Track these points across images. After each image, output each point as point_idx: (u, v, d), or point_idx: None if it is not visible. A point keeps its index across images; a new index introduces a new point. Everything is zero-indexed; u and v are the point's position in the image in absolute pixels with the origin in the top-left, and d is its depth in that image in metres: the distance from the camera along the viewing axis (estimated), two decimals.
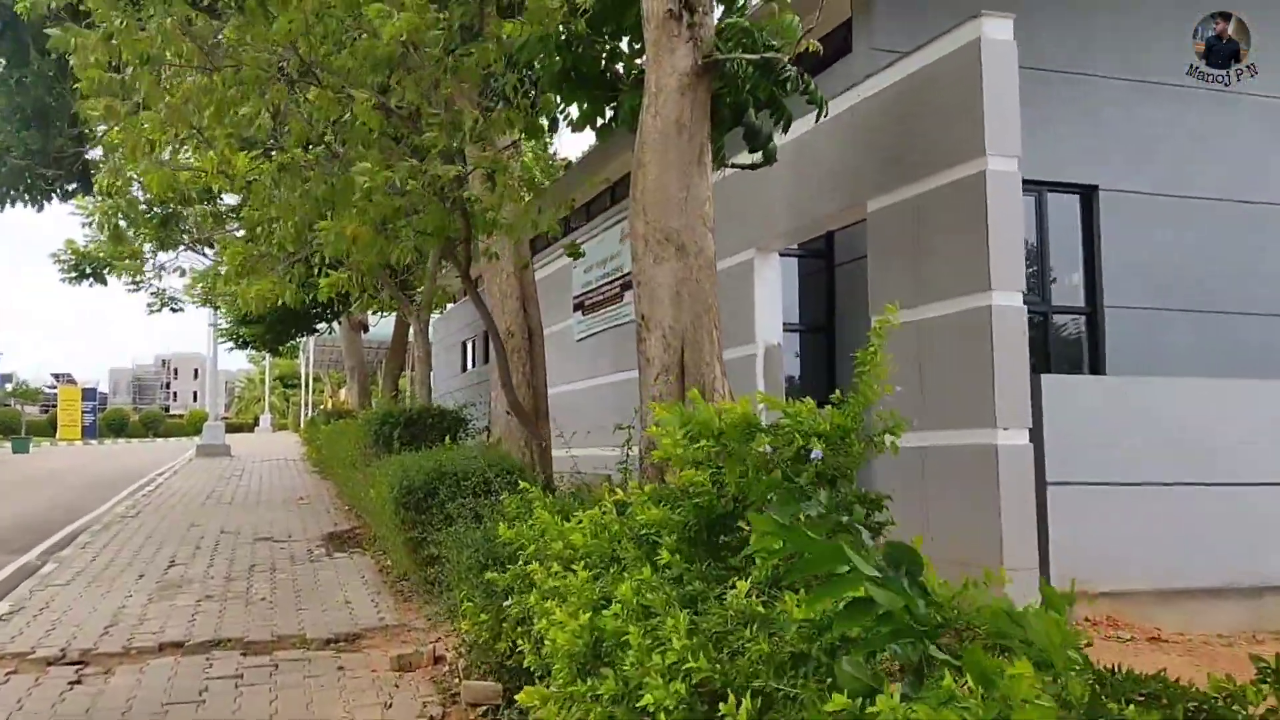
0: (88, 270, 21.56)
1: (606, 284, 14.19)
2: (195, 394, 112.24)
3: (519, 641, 4.12)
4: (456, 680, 5.21)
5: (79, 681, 5.53)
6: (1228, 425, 7.80)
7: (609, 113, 7.70)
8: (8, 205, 13.25)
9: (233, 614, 7.17)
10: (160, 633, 6.59)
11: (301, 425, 47.33)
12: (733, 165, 7.85)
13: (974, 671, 1.86)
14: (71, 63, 6.12)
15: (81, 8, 6.40)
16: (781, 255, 10.54)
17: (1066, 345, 10.30)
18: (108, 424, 70.07)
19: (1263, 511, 7.69)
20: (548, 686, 3.42)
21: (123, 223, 16.87)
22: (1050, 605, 2.00)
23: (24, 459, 32.52)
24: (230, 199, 16.23)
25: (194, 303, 24.71)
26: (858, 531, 2.45)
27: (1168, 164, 10.30)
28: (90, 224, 18.65)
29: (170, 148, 6.99)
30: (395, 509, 7.65)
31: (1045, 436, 7.24)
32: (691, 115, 5.96)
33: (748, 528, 3.57)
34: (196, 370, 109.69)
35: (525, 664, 3.90)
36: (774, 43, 6.48)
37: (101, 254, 20.77)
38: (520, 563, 4.16)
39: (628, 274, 13.04)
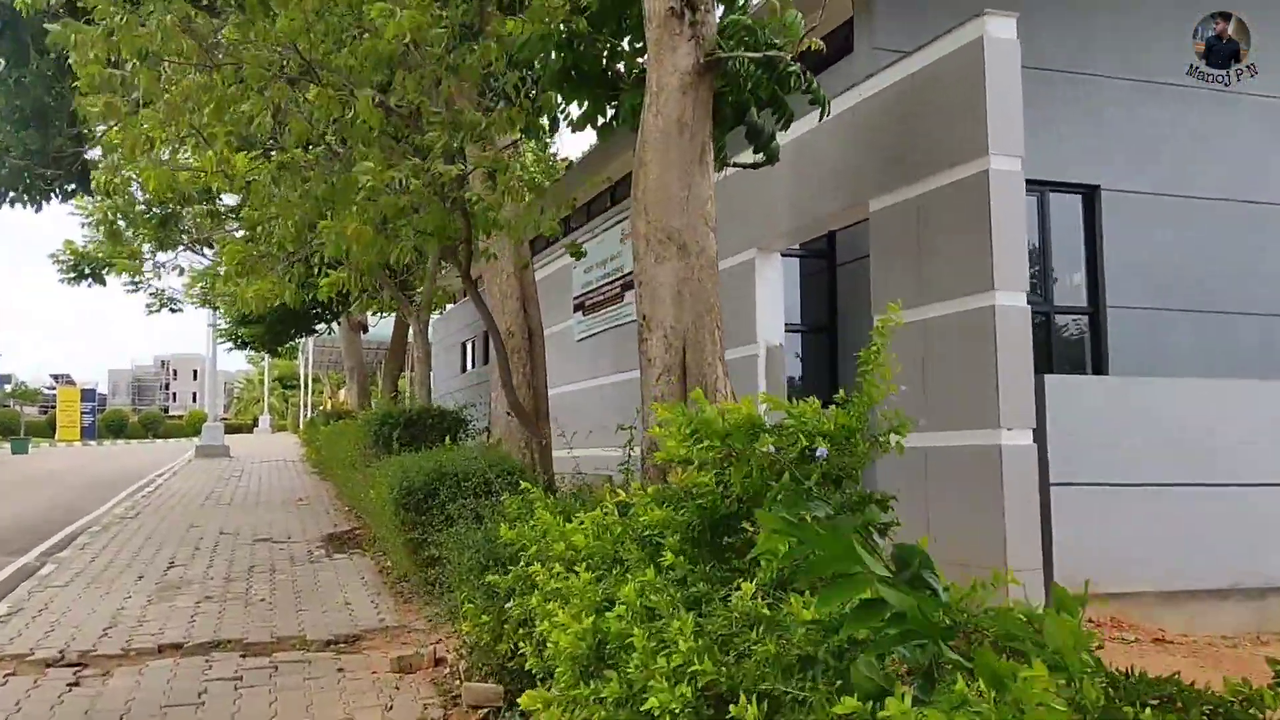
0: (87, 271, 21.52)
1: (607, 284, 14.16)
2: (194, 395, 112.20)
3: (520, 643, 4.09)
4: (457, 682, 5.17)
5: (77, 683, 5.49)
6: (1231, 426, 7.77)
7: (610, 112, 7.67)
8: (7, 206, 13.23)
9: (232, 615, 7.14)
10: (159, 634, 6.56)
11: (300, 426, 47.28)
12: (735, 164, 7.82)
13: (986, 674, 1.83)
14: (71, 59, 6.09)
15: (80, 4, 6.38)
16: (783, 255, 10.51)
17: (1068, 346, 10.27)
18: (107, 425, 70.08)
19: (1266, 512, 7.66)
20: (549, 689, 3.39)
21: (122, 223, 16.86)
22: (1062, 607, 1.97)
23: (23, 459, 32.48)
24: (230, 199, 16.21)
25: (193, 303, 24.70)
26: (868, 532, 2.41)
27: (1169, 164, 10.28)
28: (89, 224, 18.63)
29: (170, 146, 6.95)
30: (395, 510, 7.62)
31: (1048, 437, 7.21)
32: (693, 114, 5.93)
33: (752, 529, 3.55)
34: (196, 371, 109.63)
35: (527, 666, 3.87)
36: (776, 41, 6.45)
37: (100, 254, 20.74)
38: (522, 564, 4.12)
39: (628, 274, 13.01)
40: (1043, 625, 1.94)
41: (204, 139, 6.95)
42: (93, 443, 53.18)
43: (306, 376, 59.11)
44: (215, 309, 26.49)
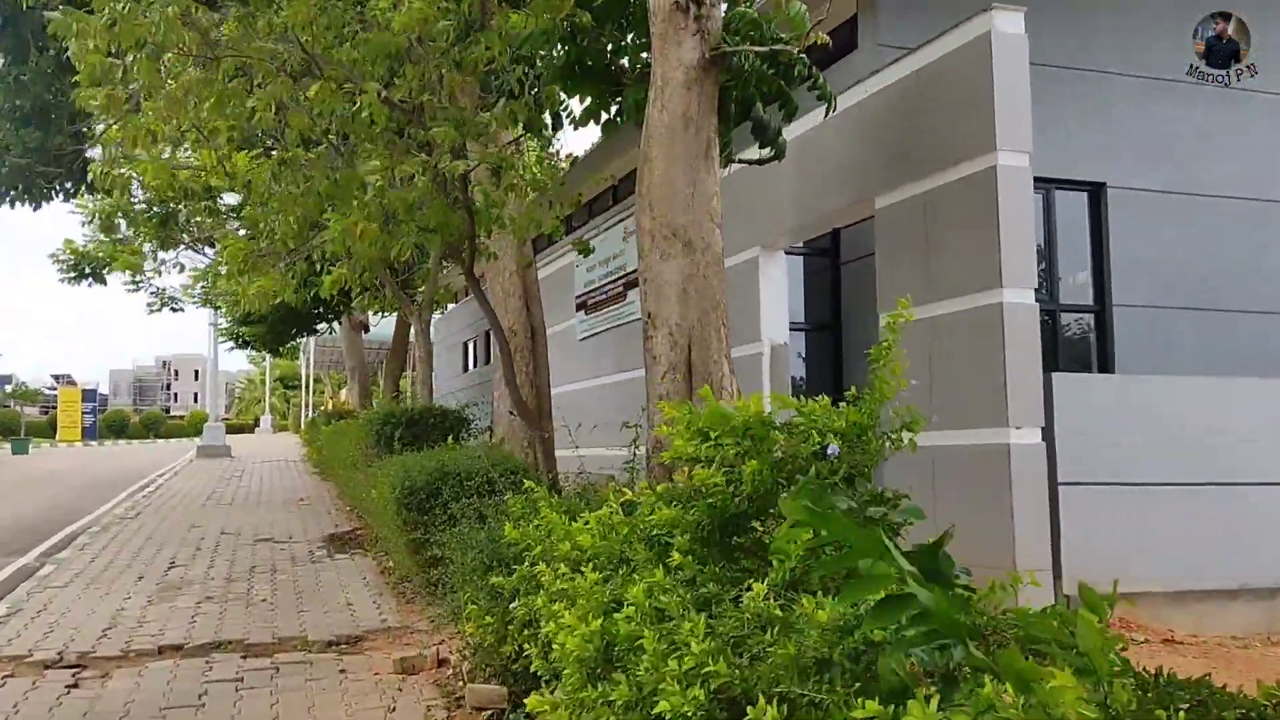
0: (87, 270, 21.46)
1: (609, 283, 14.10)
2: (196, 395, 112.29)
3: (525, 645, 4.03)
4: (461, 683, 5.11)
5: (76, 685, 5.43)
6: (1240, 424, 7.70)
7: (613, 107, 7.60)
8: (7, 206, 13.16)
9: (233, 616, 7.08)
10: (159, 635, 6.50)
11: (302, 426, 47.25)
12: (740, 160, 7.76)
13: (1012, 676, 1.76)
14: (70, 52, 6.02)
15: None
16: (787, 253, 10.44)
17: (1074, 344, 10.21)
18: (108, 425, 70.04)
19: (1276, 512, 7.59)
20: (553, 691, 3.32)
21: (122, 223, 16.80)
22: (1089, 607, 1.90)
23: (23, 460, 32.45)
24: (231, 199, 16.16)
25: (194, 303, 24.65)
26: (890, 530, 2.35)
27: (1177, 161, 10.21)
28: (89, 223, 18.56)
29: (171, 141, 6.88)
30: (397, 510, 7.56)
31: (1056, 436, 7.14)
32: (698, 109, 5.87)
33: (762, 528, 3.49)
34: (197, 371, 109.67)
35: (532, 668, 3.81)
36: (782, 35, 6.38)
37: (101, 254, 20.68)
38: (526, 564, 4.06)
39: (631, 273, 12.95)
40: (1073, 626, 1.87)
41: (204, 135, 6.89)
42: (94, 443, 53.15)
43: (308, 376, 59.07)
44: (217, 308, 26.44)
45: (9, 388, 67.91)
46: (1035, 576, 2.86)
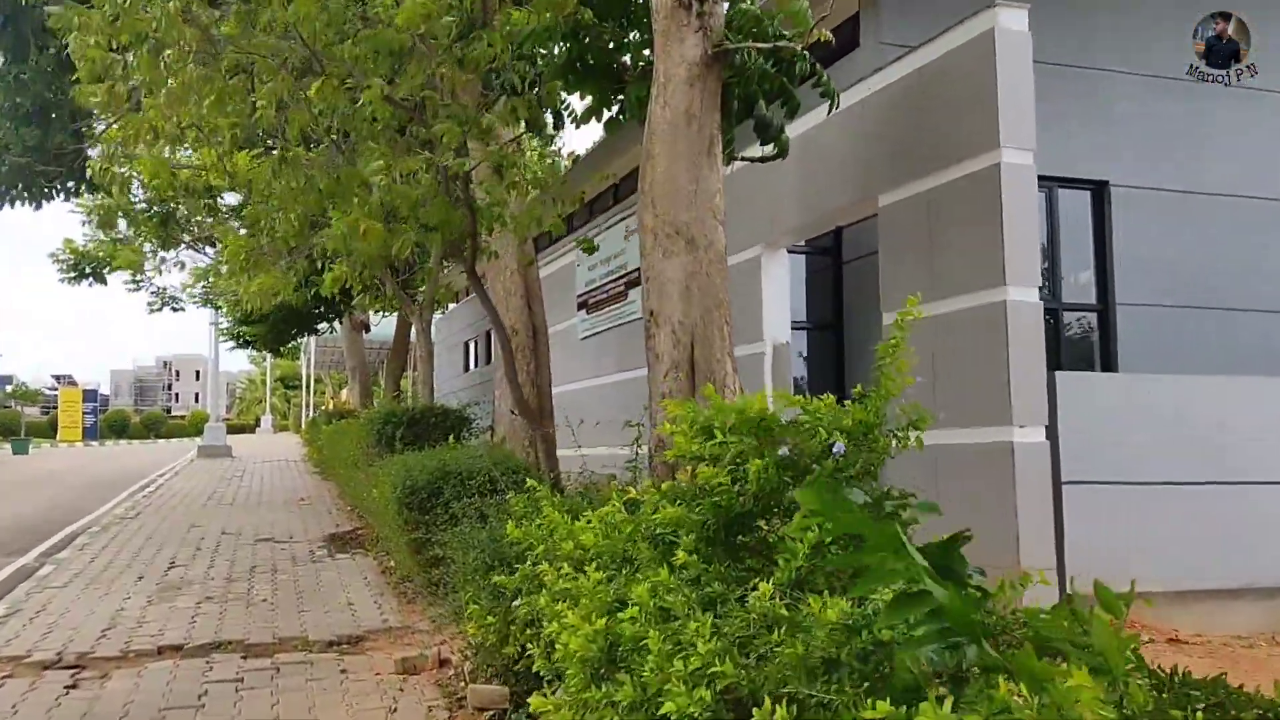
0: (87, 270, 21.43)
1: (610, 282, 14.07)
2: (197, 395, 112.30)
3: (528, 644, 4.00)
4: (462, 684, 5.08)
5: (75, 686, 5.39)
6: (1244, 423, 7.66)
7: (615, 105, 7.57)
8: (8, 205, 13.11)
9: (233, 616, 7.04)
10: (159, 635, 6.46)
11: (303, 426, 47.23)
12: (743, 158, 7.73)
13: (1026, 677, 1.73)
14: (70, 49, 5.99)
15: None
16: (789, 252, 10.41)
17: (1077, 343, 10.17)
18: (109, 425, 70.04)
19: (1278, 511, 7.55)
20: (554, 691, 3.29)
21: (122, 222, 16.75)
22: (1105, 606, 1.87)
23: (23, 460, 32.45)
24: (231, 198, 16.13)
25: (194, 302, 24.63)
26: (902, 526, 2.31)
27: (1180, 159, 10.17)
28: (89, 222, 18.53)
29: (172, 138, 6.84)
30: (398, 509, 7.53)
31: (1060, 435, 7.11)
32: (701, 106, 5.84)
33: (767, 527, 3.45)
34: (198, 372, 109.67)
35: (534, 668, 3.78)
36: (785, 32, 6.35)
37: (101, 253, 20.65)
38: (529, 563, 4.03)
39: (632, 272, 12.92)
40: (1085, 625, 1.84)
41: (205, 133, 6.86)
42: (94, 443, 53.13)
43: (309, 377, 59.06)
44: (217, 308, 26.44)
45: (9, 388, 67.91)
46: (1033, 577, 2.82)
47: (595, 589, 3.16)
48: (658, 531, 3.40)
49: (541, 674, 3.67)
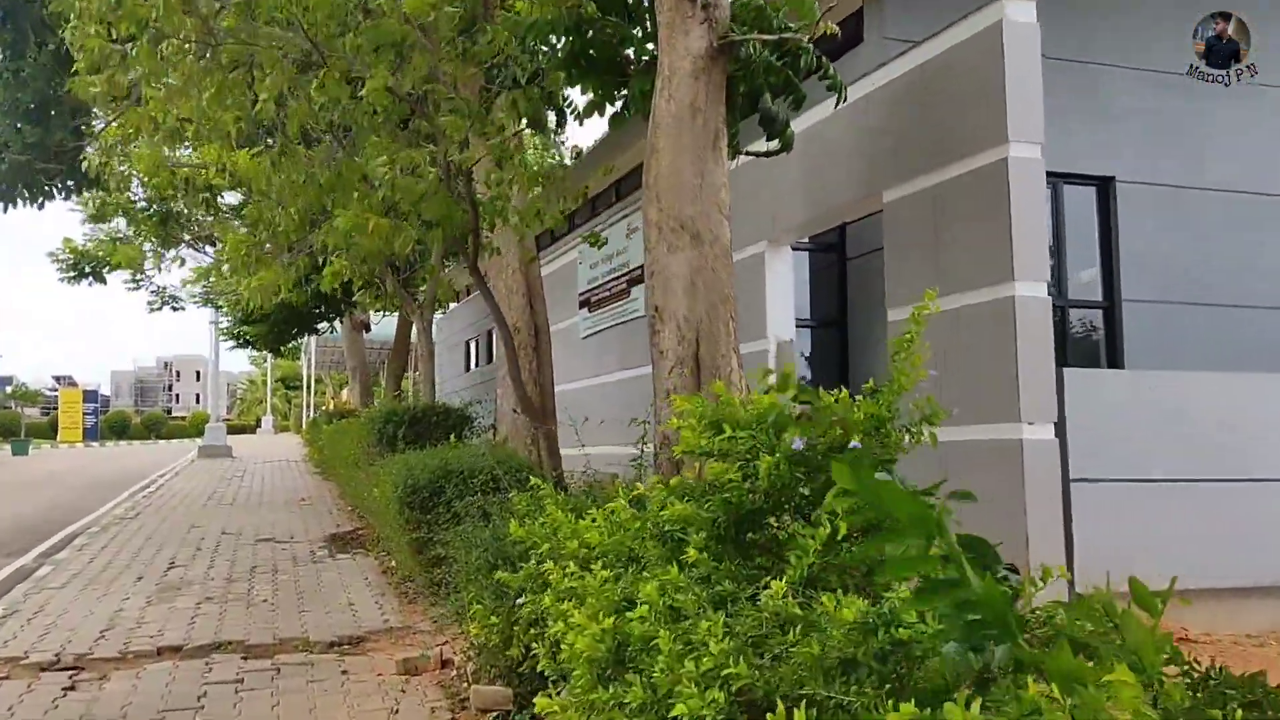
0: (86, 269, 21.35)
1: (612, 280, 14.00)
2: (197, 396, 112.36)
3: (532, 645, 3.92)
4: (465, 685, 5.01)
5: (73, 687, 5.32)
6: (1253, 420, 7.59)
7: (619, 100, 7.50)
8: (10, 206, 13.02)
9: (233, 616, 6.97)
10: (158, 636, 6.39)
11: (303, 427, 47.18)
12: (748, 153, 7.66)
13: (1059, 676, 1.65)
14: (67, 39, 5.92)
15: None
16: (793, 249, 10.33)
17: (1082, 340, 10.09)
18: (109, 426, 70.00)
19: None
20: (559, 692, 3.22)
21: (121, 221, 16.69)
22: (1140, 603, 1.79)
23: (23, 461, 32.41)
24: (231, 198, 16.08)
25: (194, 301, 24.57)
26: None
27: (1185, 155, 10.09)
28: (88, 221, 18.46)
29: (172, 131, 6.76)
30: (400, 508, 7.46)
31: (1068, 432, 7.03)
32: (706, 99, 5.76)
33: (777, 524, 3.38)
34: (199, 372, 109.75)
35: (539, 668, 3.70)
36: (790, 24, 6.28)
37: (100, 252, 20.58)
38: (533, 562, 3.95)
39: (634, 270, 12.85)
40: (1115, 620, 1.76)
41: (206, 129, 6.78)
42: (95, 444, 53.08)
43: (309, 377, 58.99)
44: (218, 307, 26.38)
45: (9, 389, 67.88)
46: (1053, 572, 2.75)
47: (602, 588, 3.09)
48: (666, 529, 3.32)
49: (546, 674, 3.59)
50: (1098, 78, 9.88)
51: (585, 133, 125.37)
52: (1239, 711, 1.68)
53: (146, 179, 7.95)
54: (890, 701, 1.89)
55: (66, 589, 8.01)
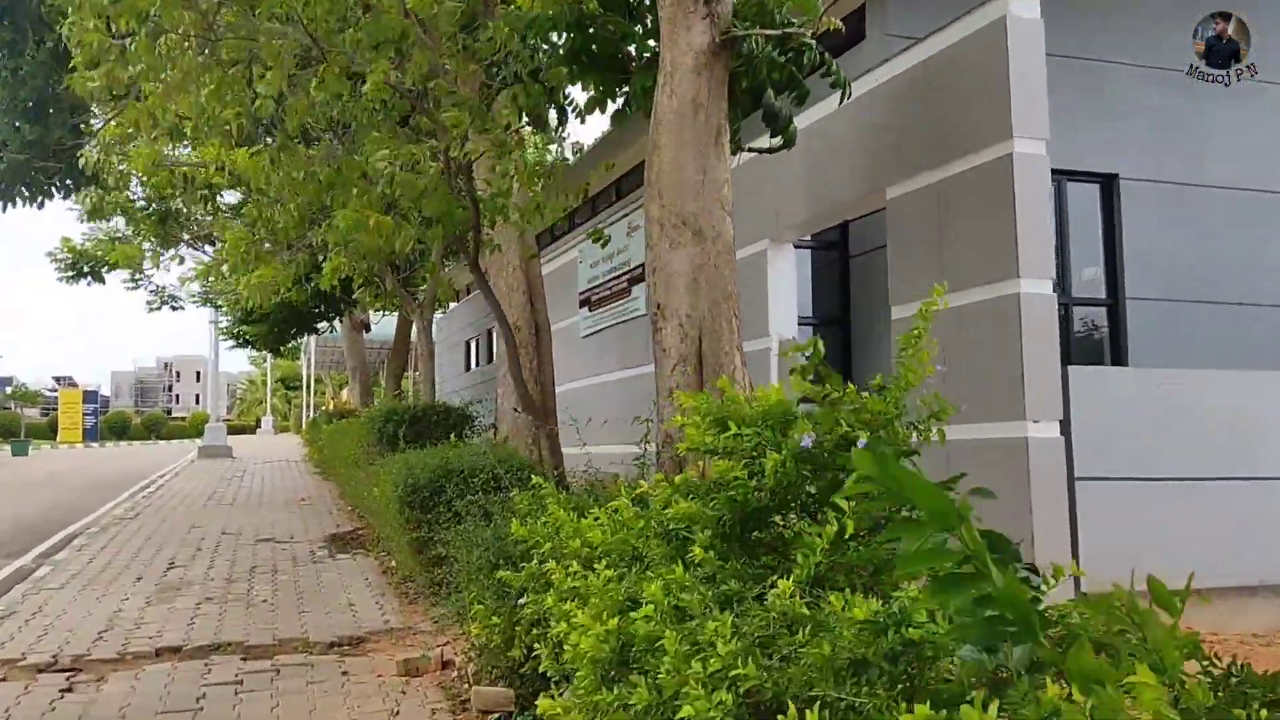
0: (85, 269, 21.30)
1: (613, 278, 13.95)
2: (197, 397, 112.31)
3: (534, 645, 3.88)
4: (466, 686, 4.96)
5: (70, 689, 5.27)
6: (1259, 418, 7.54)
7: (620, 96, 7.45)
8: (10, 206, 12.97)
9: (233, 617, 6.93)
10: (157, 637, 6.35)
11: (303, 427, 47.14)
12: (750, 149, 7.61)
13: (1079, 676, 1.61)
14: (65, 34, 5.87)
15: None
16: (795, 247, 10.28)
17: (1086, 338, 10.04)
18: (109, 426, 69.99)
19: None
20: (562, 694, 3.17)
21: (120, 220, 16.62)
22: (1159, 602, 1.75)
23: (23, 461, 32.37)
24: (231, 197, 16.02)
25: (194, 300, 24.52)
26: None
27: (1189, 153, 10.04)
28: (85, 217, 18.38)
29: (171, 128, 6.71)
30: (400, 508, 7.41)
31: (1073, 430, 6.98)
32: (708, 95, 5.72)
33: (783, 523, 3.33)
34: (198, 373, 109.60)
35: (541, 669, 3.66)
36: (793, 19, 6.23)
37: (99, 252, 20.52)
38: (535, 561, 3.90)
39: (635, 268, 12.80)
40: (1135, 617, 1.72)
41: (205, 126, 6.74)
42: (95, 444, 53.04)
43: (309, 377, 58.95)
44: (217, 307, 26.33)
45: (9, 389, 67.83)
46: (1065, 570, 2.71)
47: (605, 587, 3.04)
48: (670, 528, 3.27)
49: (549, 676, 3.55)
50: (1102, 75, 9.83)
51: (587, 130, 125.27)
52: (1263, 711, 1.64)
53: (145, 177, 7.88)
54: (904, 703, 1.84)
55: (65, 589, 7.97)
